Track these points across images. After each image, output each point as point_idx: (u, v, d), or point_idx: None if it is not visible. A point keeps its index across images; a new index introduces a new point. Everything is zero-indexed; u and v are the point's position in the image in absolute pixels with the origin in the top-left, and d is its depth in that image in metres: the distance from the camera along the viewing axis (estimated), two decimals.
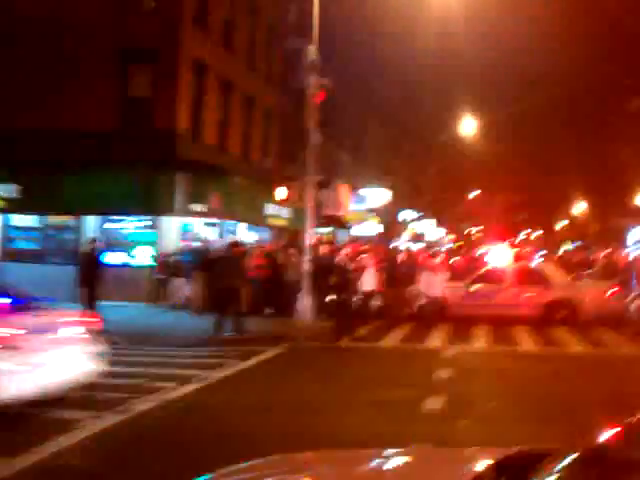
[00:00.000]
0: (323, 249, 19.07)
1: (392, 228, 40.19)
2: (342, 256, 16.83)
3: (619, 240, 44.82)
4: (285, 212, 27.17)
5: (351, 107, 33.26)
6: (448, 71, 46.87)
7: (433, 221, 54.28)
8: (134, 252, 20.93)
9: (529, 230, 79.59)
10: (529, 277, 18.62)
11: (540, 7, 39.91)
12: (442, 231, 57.48)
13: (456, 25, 30.46)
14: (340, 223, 32.41)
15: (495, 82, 51.11)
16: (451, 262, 24.64)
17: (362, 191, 36.26)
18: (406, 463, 3.25)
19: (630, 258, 20.74)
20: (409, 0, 26.72)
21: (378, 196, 37.61)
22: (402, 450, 3.43)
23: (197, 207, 20.63)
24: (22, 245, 21.97)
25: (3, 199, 20.93)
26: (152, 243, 20.72)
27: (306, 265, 16.90)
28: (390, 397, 9.32)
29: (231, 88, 24.62)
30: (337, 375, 11.17)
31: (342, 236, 32.26)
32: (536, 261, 27.48)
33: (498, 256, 24.28)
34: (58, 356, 7.97)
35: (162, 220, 20.85)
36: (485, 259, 25.14)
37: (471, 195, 63.71)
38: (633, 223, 54.42)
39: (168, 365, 11.55)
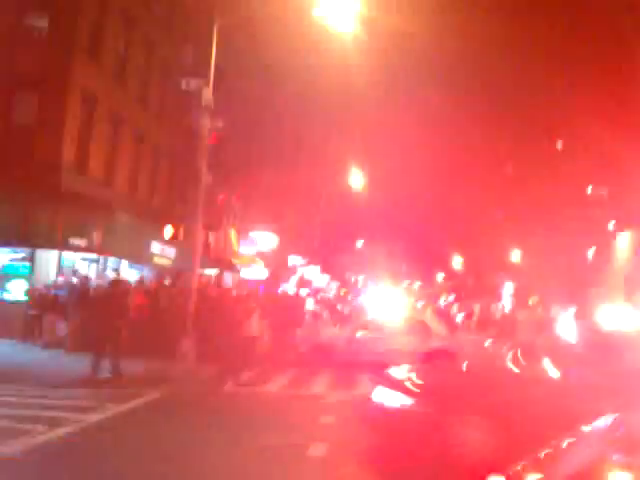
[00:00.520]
0: (210, 290, 18.74)
1: (280, 273, 40.20)
2: (228, 298, 16.58)
3: (494, 294, 47.10)
4: (171, 252, 26.59)
5: (243, 150, 33.34)
6: (342, 121, 48.09)
7: (317, 267, 54.85)
8: (8, 286, 19.74)
9: (409, 281, 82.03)
10: (411, 327, 19.06)
11: (435, 60, 41.98)
12: (327, 277, 58.12)
13: (354, 76, 31.46)
14: (228, 265, 32.08)
15: (388, 133, 52.89)
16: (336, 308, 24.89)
17: (251, 234, 36.18)
18: None
19: (506, 311, 21.74)
20: (309, 50, 27.39)
21: (266, 240, 37.65)
22: None
23: (77, 242, 19.81)
24: None
25: None
26: (27, 277, 19.63)
27: (191, 306, 16.51)
28: (275, 443, 9.13)
29: (121, 122, 24.09)
30: (218, 421, 10.83)
31: (227, 278, 31.89)
32: (417, 311, 28.21)
33: (381, 304, 24.78)
34: None
35: (39, 253, 19.83)
36: (369, 307, 25.57)
37: (357, 244, 65.11)
38: (507, 279, 57.42)
39: (38, 406, 10.81)
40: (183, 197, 26.82)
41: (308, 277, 49.04)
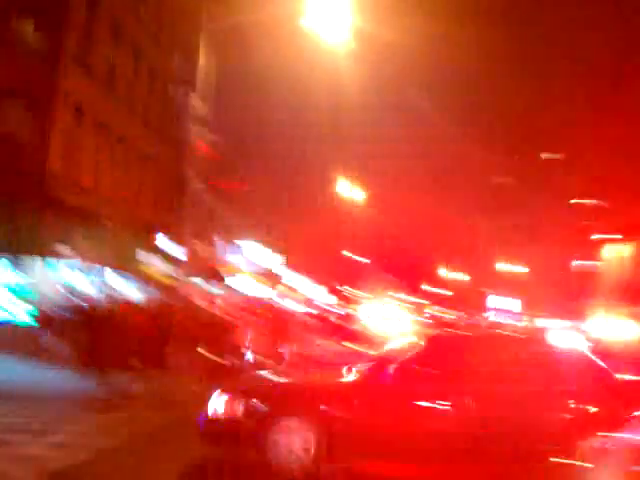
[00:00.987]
0: (197, 300, 18.58)
1: (269, 283, 40.08)
2: (218, 309, 16.45)
3: (479, 305, 47.39)
4: (158, 260, 26.40)
5: (235, 158, 33.27)
6: (335, 131, 48.16)
7: (305, 277, 54.75)
8: None
9: (396, 291, 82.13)
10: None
11: (426, 71, 42.18)
12: (316, 287, 58.02)
13: (346, 87, 31.51)
14: (214, 274, 31.90)
15: (379, 144, 52.99)
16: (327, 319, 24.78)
17: (238, 243, 36.07)
18: None
19: (489, 322, 21.73)
20: (299, 59, 27.38)
21: (253, 250, 37.55)
22: None
23: (62, 249, 19.58)
24: None
25: None
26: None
27: (178, 316, 16.34)
28: None
29: (108, 131, 23.94)
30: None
31: (214, 288, 31.73)
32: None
33: (371, 315, 24.71)
34: None
35: (25, 261, 19.61)
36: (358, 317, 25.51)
37: (347, 255, 65.11)
38: (491, 290, 57.73)
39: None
40: (170, 206, 26.70)
41: (296, 286, 48.92)
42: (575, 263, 45.49)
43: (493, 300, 56.14)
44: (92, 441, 9.02)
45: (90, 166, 22.89)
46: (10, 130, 20.24)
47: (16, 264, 19.69)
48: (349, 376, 8.33)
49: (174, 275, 19.49)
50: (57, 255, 19.58)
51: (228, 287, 32.19)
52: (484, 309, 50.65)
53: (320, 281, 60.30)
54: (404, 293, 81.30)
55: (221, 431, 7.65)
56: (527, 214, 47.09)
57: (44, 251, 19.23)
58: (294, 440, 7.34)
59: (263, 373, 9.76)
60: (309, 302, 42.10)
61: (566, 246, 43.30)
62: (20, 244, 18.99)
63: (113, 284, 22.24)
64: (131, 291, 21.04)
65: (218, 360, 14.86)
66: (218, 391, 7.91)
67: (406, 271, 74.96)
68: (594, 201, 42.53)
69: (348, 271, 67.46)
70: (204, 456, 8.28)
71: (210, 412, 7.72)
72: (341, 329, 22.33)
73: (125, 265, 23.99)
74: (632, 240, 35.06)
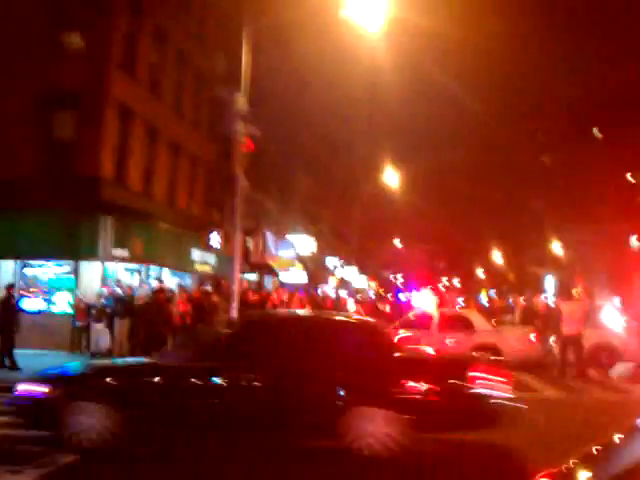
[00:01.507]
0: (252, 295, 18.90)
1: (318, 275, 40.35)
2: (271, 302, 16.73)
3: (535, 287, 46.55)
4: (211, 258, 26.91)
5: (278, 155, 33.57)
6: (375, 121, 48.10)
7: (355, 268, 54.88)
8: (54, 298, 20.21)
9: (448, 277, 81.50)
10: (453, 322, 18.95)
11: (465, 60, 41.76)
12: (364, 278, 58.12)
13: (383, 76, 31.45)
14: (266, 269, 32.32)
15: (418, 134, 52.82)
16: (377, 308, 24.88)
17: (288, 238, 36.40)
18: None
19: (551, 304, 21.45)
20: (338, 52, 27.48)
21: (304, 243, 37.81)
22: None
23: (120, 252, 20.17)
24: None
25: None
26: (72, 289, 20.06)
27: (233, 311, 16.67)
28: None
29: (157, 134, 24.46)
30: None
31: (268, 283, 32.14)
32: (458, 307, 28.08)
33: (422, 302, 24.66)
34: None
35: (83, 265, 20.27)
36: (409, 305, 25.51)
37: (393, 243, 64.96)
38: (548, 271, 56.66)
39: None
40: (220, 204, 27.14)
41: (347, 278, 49.12)
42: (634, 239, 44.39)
43: (551, 280, 55.23)
44: None
45: (141, 169, 23.46)
46: (64, 138, 20.91)
47: (73, 268, 20.37)
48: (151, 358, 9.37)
49: (226, 272, 19.86)
50: (113, 258, 20.16)
51: (281, 281, 32.57)
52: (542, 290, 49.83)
53: (372, 270, 60.36)
54: (456, 277, 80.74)
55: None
56: (581, 191, 46.02)
57: (100, 254, 19.82)
58: (90, 421, 7.91)
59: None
60: (360, 292, 42.22)
61: (623, 223, 42.19)
62: (77, 249, 19.61)
63: (168, 283, 22.79)
64: (184, 289, 21.52)
65: None
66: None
67: (458, 255, 74.32)
68: None
69: (397, 260, 67.29)
70: None
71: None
72: (396, 317, 22.41)
73: (180, 264, 24.55)
74: None
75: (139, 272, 22.46)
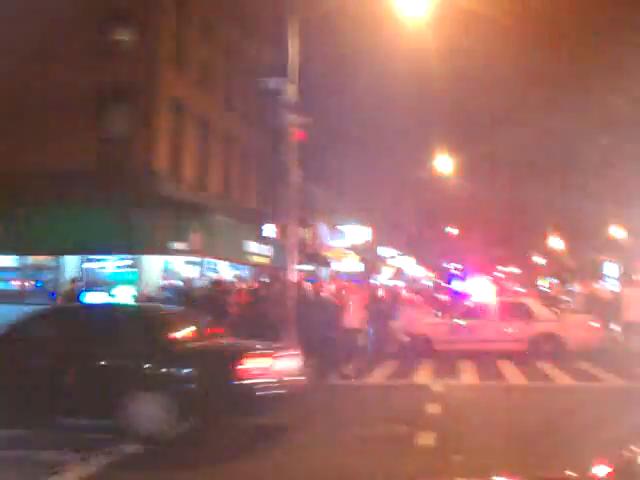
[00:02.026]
0: (307, 286, 18.92)
1: (373, 265, 40.19)
2: (327, 292, 16.71)
3: (596, 273, 45.35)
4: (266, 249, 27.07)
5: (329, 144, 33.51)
6: (425, 108, 47.49)
7: (411, 258, 54.48)
8: (115, 291, 20.64)
9: (506, 265, 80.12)
10: (513, 311, 18.62)
11: (514, 45, 40.78)
12: (420, 267, 57.67)
13: (433, 62, 30.99)
14: (321, 260, 32.34)
15: (470, 119, 51.86)
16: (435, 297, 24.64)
17: (342, 228, 36.33)
18: None
19: (616, 291, 20.88)
20: (385, 39, 27.20)
21: (357, 233, 37.68)
22: None
23: (178, 245, 20.46)
24: (1, 286, 21.60)
25: None
26: (133, 282, 20.45)
27: (290, 302, 16.73)
28: (381, 434, 9.16)
29: (209, 127, 24.68)
30: (324, 412, 10.96)
31: (323, 273, 32.17)
32: (518, 295, 27.59)
33: (481, 291, 24.33)
34: None
35: (144, 259, 20.65)
36: (467, 294, 25.17)
37: (448, 231, 64.21)
38: (609, 258, 55.08)
39: None
40: (274, 195, 27.25)
41: (402, 267, 48.85)
42: None
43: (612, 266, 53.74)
44: None
45: (195, 163, 23.73)
46: (118, 133, 21.32)
47: (134, 262, 20.76)
48: None
49: (282, 263, 19.97)
50: (172, 251, 20.46)
51: (335, 271, 32.58)
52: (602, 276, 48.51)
53: (429, 259, 59.83)
54: (513, 265, 79.33)
55: None
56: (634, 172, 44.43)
57: (159, 248, 20.13)
58: None
59: None
60: (414, 281, 41.92)
61: None
62: (137, 243, 19.96)
63: (225, 275, 23.03)
64: (242, 280, 21.69)
65: (330, 340, 15.11)
66: None
67: (515, 242, 73.01)
68: None
69: (453, 248, 66.49)
70: None
71: None
72: (454, 306, 22.14)
73: (236, 256, 24.77)
74: None
75: (197, 264, 22.75)
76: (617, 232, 53.06)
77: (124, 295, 20.49)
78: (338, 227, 35.94)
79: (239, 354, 8.82)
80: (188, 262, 22.40)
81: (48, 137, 20.33)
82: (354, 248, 36.85)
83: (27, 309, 19.29)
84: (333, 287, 18.27)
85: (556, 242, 67.91)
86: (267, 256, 27.16)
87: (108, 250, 20.52)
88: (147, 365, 8.80)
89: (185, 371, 8.86)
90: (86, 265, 20.88)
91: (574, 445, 7.78)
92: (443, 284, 45.86)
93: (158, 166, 21.05)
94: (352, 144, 38.63)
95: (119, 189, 19.74)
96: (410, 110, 43.97)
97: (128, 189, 19.80)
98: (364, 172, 42.46)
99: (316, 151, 28.72)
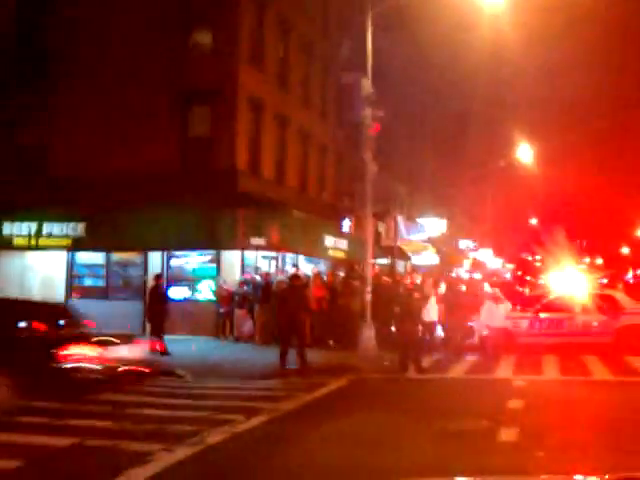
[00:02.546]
0: (385, 279, 18.96)
1: (451, 258, 39.71)
2: (405, 286, 16.69)
3: None
4: (343, 244, 27.17)
5: (405, 137, 33.30)
6: (501, 99, 46.55)
7: (490, 250, 53.48)
8: (198, 286, 21.23)
9: (590, 257, 77.66)
10: (598, 304, 18.07)
11: (595, 35, 39.40)
12: (499, 260, 56.55)
13: (508, 53, 30.35)
14: (398, 253, 32.18)
15: (549, 109, 50.48)
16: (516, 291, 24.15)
17: (419, 221, 36.05)
18: None
19: None
20: (460, 31, 26.80)
21: (435, 226, 37.31)
22: None
23: (257, 241, 20.82)
24: (88, 282, 22.57)
25: (70, 237, 21.55)
26: (214, 277, 20.96)
27: (368, 295, 16.80)
28: (461, 428, 9.10)
29: (287, 124, 24.99)
30: (404, 407, 10.94)
31: (401, 266, 32.03)
32: (603, 288, 26.71)
33: (563, 284, 23.70)
34: None
35: (224, 254, 21.13)
36: (550, 287, 24.57)
37: (529, 223, 62.73)
38: None
39: (234, 397, 11.56)
40: (350, 190, 27.33)
41: (481, 260, 48.05)
42: None
43: None
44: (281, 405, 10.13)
45: (274, 159, 24.09)
46: (201, 132, 21.88)
47: (215, 257, 21.27)
48: None
49: (359, 257, 20.05)
50: (251, 247, 20.84)
51: (414, 264, 32.41)
52: None
53: (509, 251, 58.62)
54: (599, 257, 76.70)
55: None
56: None
57: (239, 243, 20.55)
58: None
59: None
60: (493, 273, 41.12)
61: None
62: (218, 239, 20.44)
63: (303, 269, 23.28)
64: (320, 274, 21.90)
65: (410, 334, 15.07)
66: None
67: (601, 233, 70.53)
68: None
69: (534, 240, 64.84)
70: None
71: None
72: (531, 299, 21.68)
73: (313, 251, 24.99)
74: None
75: (275, 259, 23.09)
76: None
77: (206, 289, 21.07)
78: (415, 220, 35.67)
79: (63, 342, 10.21)
80: (266, 257, 22.76)
81: (134, 141, 21.10)
82: (431, 241, 36.51)
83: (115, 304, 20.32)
84: (410, 280, 18.19)
85: None
86: (344, 250, 27.26)
87: (191, 246, 21.10)
88: None
89: (19, 354, 10.13)
90: (171, 261, 21.53)
91: None
92: (524, 277, 44.89)
93: (239, 164, 21.50)
94: (430, 136, 38.25)
95: (202, 188, 20.25)
96: (490, 99, 43.18)
97: (211, 188, 20.30)
98: (442, 164, 42.00)
99: (392, 144, 28.62)
